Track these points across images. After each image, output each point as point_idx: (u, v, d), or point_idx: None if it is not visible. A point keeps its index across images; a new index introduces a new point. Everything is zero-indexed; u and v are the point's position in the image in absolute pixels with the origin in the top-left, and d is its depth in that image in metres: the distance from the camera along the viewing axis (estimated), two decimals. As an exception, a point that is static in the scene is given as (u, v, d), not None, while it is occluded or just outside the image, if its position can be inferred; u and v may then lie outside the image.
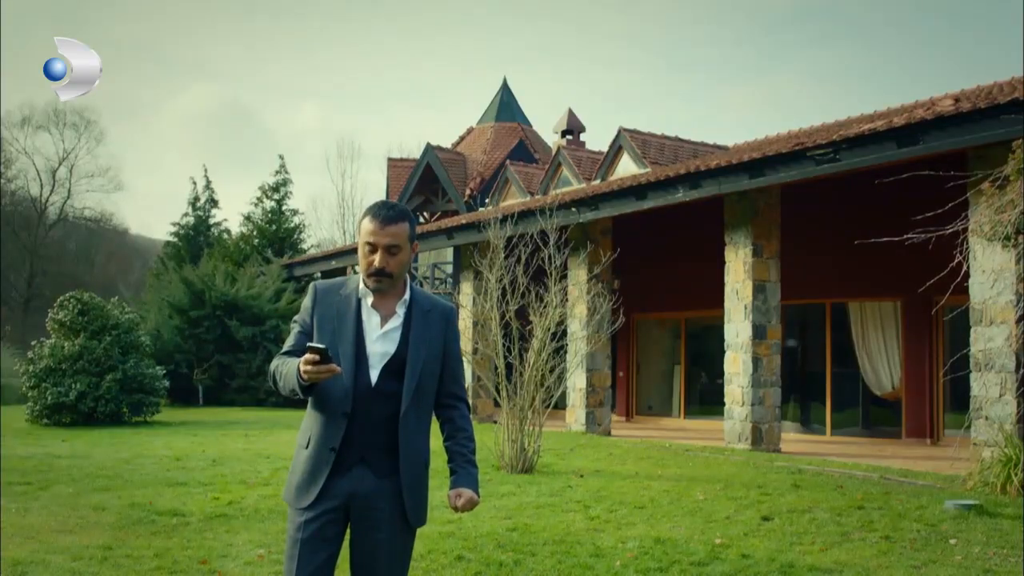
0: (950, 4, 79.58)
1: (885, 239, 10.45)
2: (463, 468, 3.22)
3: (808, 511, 7.61)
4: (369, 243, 3.12)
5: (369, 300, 3.18)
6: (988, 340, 9.85)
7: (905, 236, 9.19)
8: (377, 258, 3.12)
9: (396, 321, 3.18)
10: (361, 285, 3.21)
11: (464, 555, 6.08)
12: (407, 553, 3.19)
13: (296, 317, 3.29)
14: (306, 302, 3.26)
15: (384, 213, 3.14)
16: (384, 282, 3.15)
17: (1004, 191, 8.75)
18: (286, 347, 3.27)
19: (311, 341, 3.15)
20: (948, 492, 8.66)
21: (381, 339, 3.15)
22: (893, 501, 8.09)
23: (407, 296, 3.22)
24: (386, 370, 3.12)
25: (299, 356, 3.09)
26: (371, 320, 3.17)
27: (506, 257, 11.40)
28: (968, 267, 9.62)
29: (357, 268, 3.33)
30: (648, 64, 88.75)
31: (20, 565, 5.74)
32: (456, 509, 3.16)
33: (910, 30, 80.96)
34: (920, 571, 5.76)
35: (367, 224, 3.14)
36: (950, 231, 9.13)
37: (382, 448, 3.10)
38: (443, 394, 3.27)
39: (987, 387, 9.81)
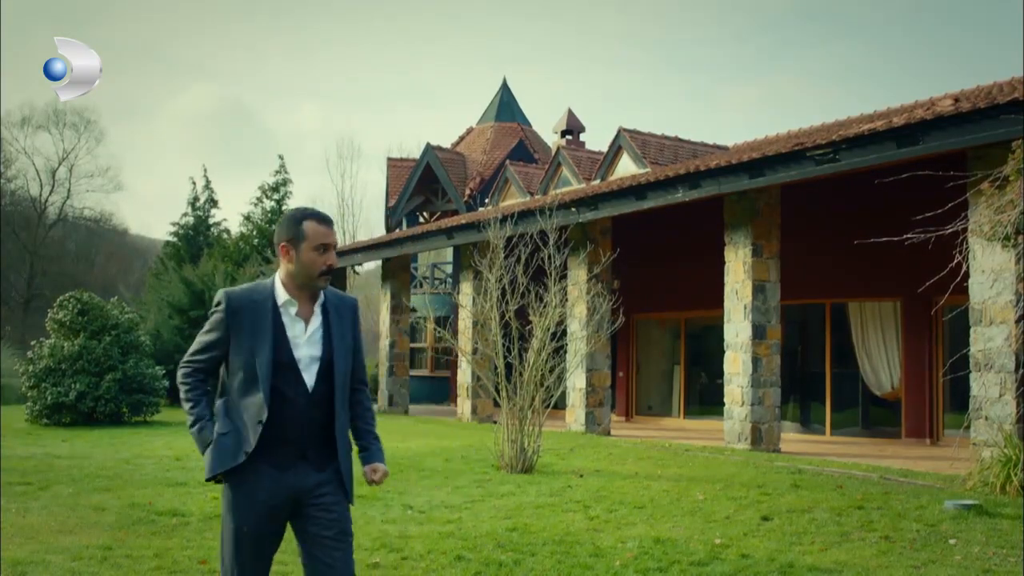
0: (950, 4, 79.67)
1: (885, 239, 10.46)
2: (373, 444, 3.50)
3: (808, 511, 7.61)
4: (324, 244, 3.33)
5: (293, 310, 3.33)
6: (988, 340, 9.84)
7: (905, 236, 9.19)
8: (333, 256, 3.36)
9: (316, 322, 3.37)
10: (279, 292, 3.33)
11: (464, 555, 6.08)
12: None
13: (207, 325, 3.38)
14: (217, 315, 3.35)
15: (327, 217, 3.42)
16: (328, 279, 3.40)
17: (1004, 191, 8.75)
18: (195, 354, 3.41)
19: (226, 350, 3.32)
20: (948, 492, 8.66)
21: (307, 343, 3.32)
22: (893, 501, 8.09)
23: (320, 296, 3.42)
24: (319, 372, 3.31)
25: (208, 367, 3.37)
26: (295, 327, 3.32)
27: (506, 257, 11.40)
28: (968, 267, 9.62)
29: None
30: (648, 64, 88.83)
31: (20, 565, 5.74)
32: (373, 483, 3.42)
33: (910, 30, 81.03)
34: (920, 571, 5.76)
35: (319, 228, 3.34)
36: (950, 231, 9.12)
37: (320, 443, 3.32)
38: (353, 380, 3.48)
39: (987, 387, 9.80)
